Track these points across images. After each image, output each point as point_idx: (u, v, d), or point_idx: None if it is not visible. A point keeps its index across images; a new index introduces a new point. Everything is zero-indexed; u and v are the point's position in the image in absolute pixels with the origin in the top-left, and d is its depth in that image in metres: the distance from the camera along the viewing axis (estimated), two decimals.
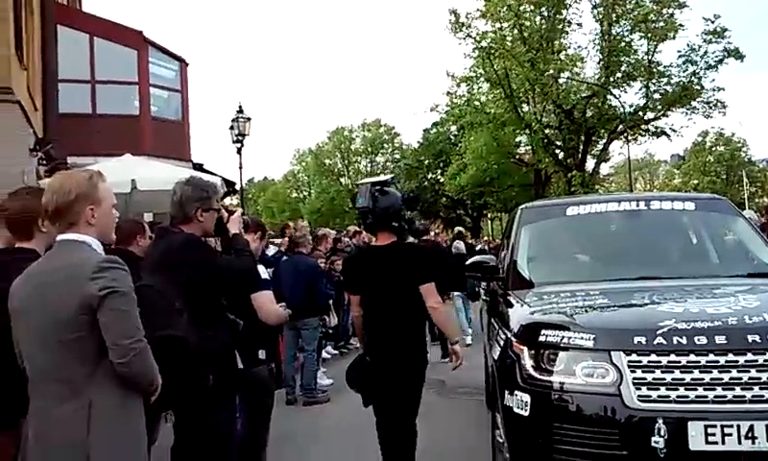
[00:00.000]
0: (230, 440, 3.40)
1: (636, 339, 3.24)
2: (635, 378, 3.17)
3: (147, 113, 17.18)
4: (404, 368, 4.11)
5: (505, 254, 5.26)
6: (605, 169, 36.85)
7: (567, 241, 5.08)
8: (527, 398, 3.36)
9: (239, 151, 17.26)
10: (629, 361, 3.20)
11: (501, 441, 3.82)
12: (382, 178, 4.45)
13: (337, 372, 8.97)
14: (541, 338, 3.41)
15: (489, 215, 49.09)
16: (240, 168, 17.76)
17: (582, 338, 3.31)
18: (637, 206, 4.99)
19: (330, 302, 8.68)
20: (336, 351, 10.20)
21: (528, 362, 3.42)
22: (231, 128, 17.25)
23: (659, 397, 3.13)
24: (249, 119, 17.31)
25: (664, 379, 3.15)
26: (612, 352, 3.23)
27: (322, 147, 54.56)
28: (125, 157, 10.04)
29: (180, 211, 3.36)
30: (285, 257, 7.86)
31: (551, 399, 3.30)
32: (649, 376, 3.17)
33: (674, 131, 31.28)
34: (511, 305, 4.13)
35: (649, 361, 3.19)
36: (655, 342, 3.21)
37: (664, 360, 3.17)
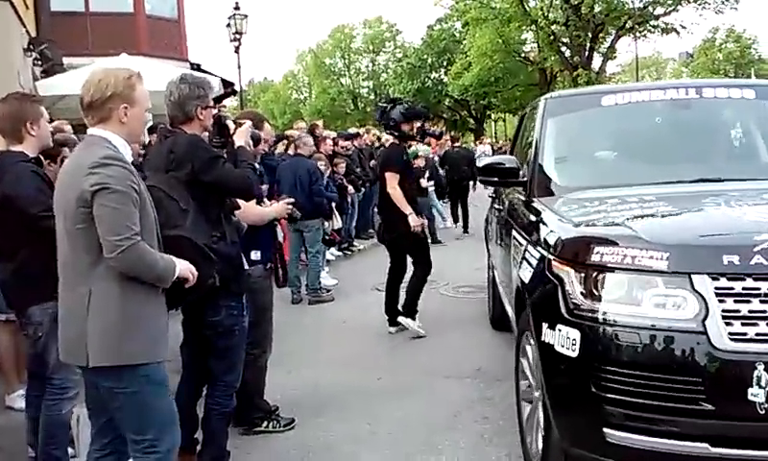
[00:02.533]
0: (239, 337, 3.47)
1: (727, 258, 2.50)
2: (725, 311, 2.47)
3: (141, 11, 16.63)
4: (390, 226, 6.10)
5: (526, 154, 4.40)
6: (611, 67, 35.99)
7: (604, 137, 4.31)
8: (575, 334, 2.68)
9: (237, 50, 16.90)
10: (717, 288, 2.49)
11: (532, 382, 3.31)
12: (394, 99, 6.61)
13: (341, 273, 9.13)
14: (594, 257, 2.68)
15: (493, 116, 48.48)
16: (239, 68, 17.43)
17: (651, 257, 2.57)
18: (687, 94, 4.17)
19: (333, 205, 8.68)
20: (340, 253, 10.30)
21: (576, 288, 2.72)
22: (228, 26, 16.81)
23: (757, 335, 2.44)
24: (245, 17, 16.86)
25: (765, 312, 2.45)
26: (694, 276, 2.52)
27: (322, 46, 53.29)
28: (121, 58, 9.80)
29: (180, 111, 3.30)
30: (285, 160, 7.84)
31: (608, 336, 2.60)
32: (744, 308, 2.46)
33: (683, 27, 30.52)
34: (542, 217, 3.41)
35: (744, 288, 2.48)
36: (752, 262, 2.48)
37: (765, 287, 2.46)
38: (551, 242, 3.05)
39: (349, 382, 4.84)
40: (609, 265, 2.65)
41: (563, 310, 2.76)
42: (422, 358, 5.35)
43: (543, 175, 3.91)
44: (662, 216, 3.06)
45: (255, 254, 3.95)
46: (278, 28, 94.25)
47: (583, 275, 2.73)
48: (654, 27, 30.78)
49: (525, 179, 4.00)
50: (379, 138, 12.52)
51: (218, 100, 3.74)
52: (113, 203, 2.41)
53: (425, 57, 45.24)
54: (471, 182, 12.66)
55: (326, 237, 8.41)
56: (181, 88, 3.30)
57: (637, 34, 30.48)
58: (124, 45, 11.70)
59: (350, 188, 10.06)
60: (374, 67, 51.60)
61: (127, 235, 2.41)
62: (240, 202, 3.57)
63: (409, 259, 6.23)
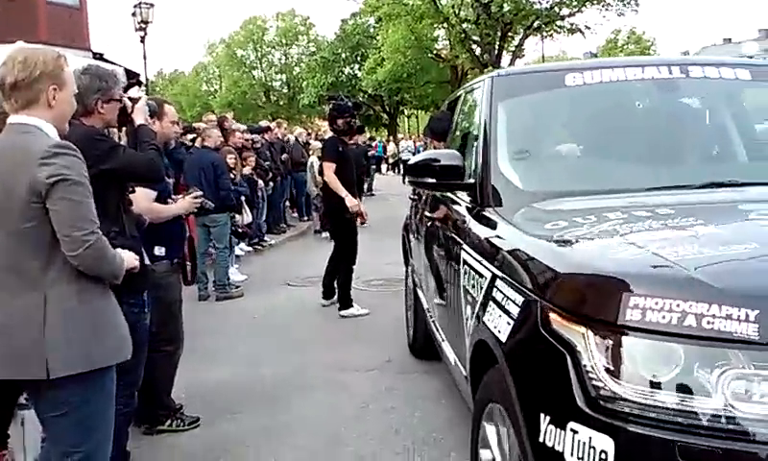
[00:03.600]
0: (140, 335, 3.37)
1: None
2: None
3: None
4: (330, 212, 6.82)
5: (464, 148, 3.56)
6: (519, 66, 37.07)
7: (574, 127, 3.38)
8: (604, 442, 1.67)
9: (143, 40, 16.38)
10: None
11: None
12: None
13: (251, 268, 9.01)
14: (631, 313, 1.67)
15: (406, 112, 48.99)
16: (144, 58, 16.89)
17: (728, 316, 1.60)
18: (671, 73, 3.25)
19: (243, 199, 8.56)
20: (250, 249, 10.16)
21: (599, 362, 1.71)
22: (134, 15, 16.25)
23: None
24: (152, 6, 16.37)
25: None
26: None
27: (234, 37, 52.31)
28: (17, 46, 9.29)
29: (79, 103, 3.17)
30: (191, 152, 7.67)
31: (663, 448, 1.60)
32: None
33: (588, 28, 31.63)
34: (514, 236, 2.47)
35: None
36: None
37: None
38: (543, 281, 2.05)
39: (258, 379, 4.79)
40: (656, 329, 1.64)
41: (578, 398, 1.73)
42: (333, 352, 5.36)
43: (500, 177, 2.92)
44: (713, 245, 1.92)
45: (159, 250, 3.84)
46: (189, 18, 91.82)
47: (611, 342, 1.70)
48: (560, 27, 31.85)
49: (472, 181, 3.05)
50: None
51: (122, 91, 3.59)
52: (75, 195, 2.24)
53: (339, 51, 45.18)
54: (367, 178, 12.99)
55: (238, 231, 8.30)
56: (82, 79, 3.16)
57: (545, 33, 31.47)
58: (21, 32, 11.01)
59: (260, 182, 9.95)
60: (287, 60, 51.15)
61: (92, 229, 2.27)
62: (137, 199, 3.46)
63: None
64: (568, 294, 1.93)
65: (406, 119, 51.45)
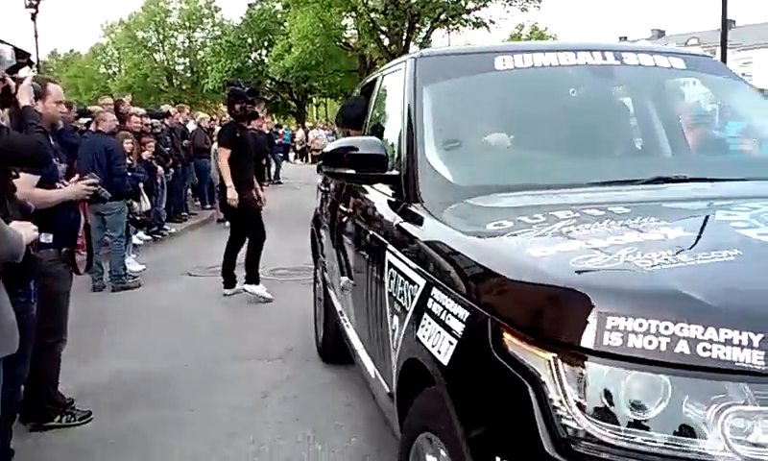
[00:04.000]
0: (26, 325, 3.21)
1: None
2: None
3: None
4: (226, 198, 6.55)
5: (382, 136, 3.29)
6: (443, 47, 37.58)
7: (507, 115, 3.12)
8: None
9: (33, 17, 15.49)
10: None
11: None
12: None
13: (150, 258, 8.73)
14: (610, 337, 1.39)
15: (314, 100, 48.65)
16: (35, 37, 15.99)
17: (727, 341, 1.34)
18: (604, 59, 3.07)
19: (141, 186, 8.26)
20: (149, 237, 9.84)
21: (570, 396, 1.43)
22: None
23: None
24: None
25: None
26: None
27: (134, 18, 50.22)
28: None
29: None
30: (85, 136, 7.34)
31: None
32: None
33: (492, 22, 32.41)
34: (450, 237, 2.10)
35: None
36: None
37: None
38: (494, 292, 1.72)
39: (155, 371, 4.65)
40: (641, 356, 1.36)
41: (544, 441, 1.43)
42: (232, 342, 5.28)
43: (428, 169, 2.60)
44: (691, 252, 1.63)
45: (46, 237, 3.65)
46: None
47: (585, 372, 1.41)
48: (466, 21, 32.49)
49: (396, 173, 2.74)
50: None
51: (11, 71, 3.36)
52: None
53: (245, 36, 44.25)
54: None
55: (136, 219, 8.01)
56: None
57: (451, 26, 31.99)
58: None
59: (160, 169, 9.64)
60: (191, 44, 49.60)
61: None
62: (19, 183, 3.28)
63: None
64: (528, 310, 1.57)
65: (314, 108, 51.05)
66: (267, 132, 20.01)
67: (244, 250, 6.69)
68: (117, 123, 7.73)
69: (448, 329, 1.84)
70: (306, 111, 47.80)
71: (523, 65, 3.01)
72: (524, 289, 1.61)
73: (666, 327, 1.36)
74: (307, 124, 37.43)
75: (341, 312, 3.92)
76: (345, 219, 3.67)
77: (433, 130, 2.76)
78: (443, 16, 31.19)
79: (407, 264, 2.30)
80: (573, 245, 1.71)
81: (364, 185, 3.22)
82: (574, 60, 3.09)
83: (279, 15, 40.64)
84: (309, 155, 27.05)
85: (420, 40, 33.40)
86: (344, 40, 35.51)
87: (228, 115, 7.56)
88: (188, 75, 49.07)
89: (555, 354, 1.44)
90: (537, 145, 2.93)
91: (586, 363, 1.40)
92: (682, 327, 1.35)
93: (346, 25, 34.77)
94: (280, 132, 26.55)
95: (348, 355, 3.80)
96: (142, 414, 3.94)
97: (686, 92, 3.50)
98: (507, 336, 1.56)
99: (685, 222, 2.06)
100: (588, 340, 1.40)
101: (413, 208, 2.52)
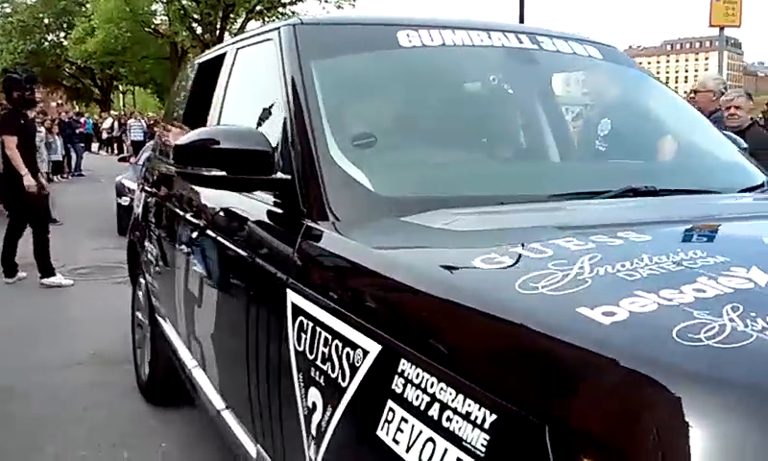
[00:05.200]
0: None
1: None
2: None
3: None
4: (10, 186, 6.52)
5: (267, 128, 2.25)
6: (322, 15, 37.00)
7: (422, 103, 2.44)
8: None
9: None
10: None
11: None
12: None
13: None
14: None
15: (121, 88, 45.84)
16: None
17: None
18: (520, 42, 2.51)
19: None
20: None
21: None
22: None
23: None
24: None
25: None
26: None
27: None
28: None
29: None
30: None
31: None
32: None
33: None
34: (421, 279, 1.34)
35: None
36: None
37: None
38: (563, 388, 0.96)
39: None
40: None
41: None
42: (29, 349, 4.80)
43: (337, 173, 1.87)
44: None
45: None
46: None
47: None
48: (282, 14, 32.33)
49: (287, 178, 1.95)
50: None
51: None
52: None
53: (41, 16, 40.54)
54: None
55: None
56: None
57: (266, 18, 31.64)
58: None
59: None
60: None
61: None
62: None
63: None
64: (630, 420, 0.86)
65: (121, 95, 48.10)
66: (66, 120, 18.63)
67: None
68: None
69: (451, 438, 1.06)
70: (112, 99, 44.90)
71: (432, 43, 2.39)
72: (624, 380, 0.89)
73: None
74: (113, 112, 35.22)
75: (176, 349, 3.12)
76: (195, 235, 2.69)
77: (332, 120, 2.03)
78: (258, 8, 30.78)
79: (339, 315, 1.47)
80: (646, 299, 1.03)
81: (226, 191, 2.18)
82: (488, 41, 2.49)
83: None
84: (125, 146, 25.20)
85: (235, 31, 32.74)
86: (153, 26, 33.82)
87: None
88: None
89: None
90: (468, 146, 2.32)
91: None
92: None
93: (155, 10, 33.14)
94: (81, 121, 24.62)
95: (184, 395, 3.23)
96: None
97: (610, 86, 2.87)
98: None
99: (745, 253, 1.35)
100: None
101: (323, 229, 1.74)
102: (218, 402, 2.49)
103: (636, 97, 2.80)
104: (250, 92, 2.78)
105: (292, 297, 1.70)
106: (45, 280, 6.53)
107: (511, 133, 2.53)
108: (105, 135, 30.68)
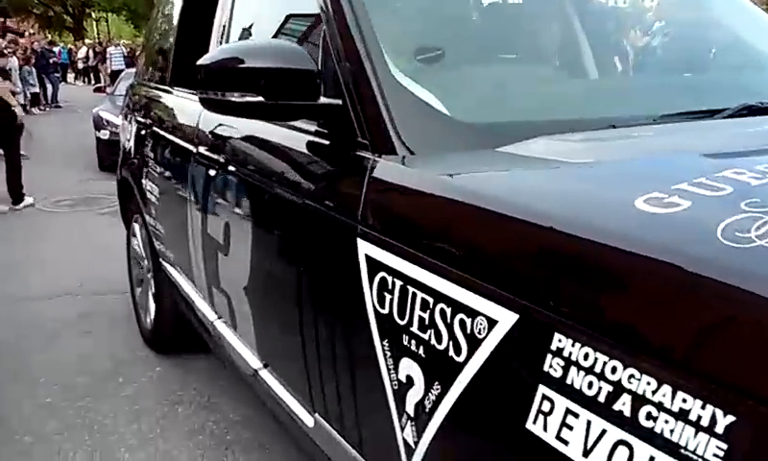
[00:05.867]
0: None
1: None
2: None
3: None
4: None
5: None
6: None
7: (491, 12, 2.07)
8: None
9: None
10: None
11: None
12: None
13: None
14: None
15: (93, 15, 44.42)
16: None
17: None
18: None
19: None
20: None
21: None
22: None
23: None
24: None
25: None
26: None
27: None
28: None
29: None
30: None
31: None
32: None
33: None
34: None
35: None
36: None
37: None
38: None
39: None
40: None
41: None
42: (13, 282, 4.82)
43: (403, 95, 1.52)
44: None
45: None
46: None
47: None
48: None
49: (337, 102, 1.57)
50: None
51: None
52: None
53: None
54: None
55: None
56: None
57: None
58: None
59: None
60: None
61: None
62: None
63: None
64: None
65: (94, 23, 46.64)
66: (38, 50, 18.16)
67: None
68: None
69: (660, 443, 0.80)
70: (85, 27, 43.58)
71: None
72: None
73: None
74: (87, 41, 34.27)
75: (195, 306, 2.76)
76: (213, 173, 2.29)
77: (385, 30, 1.62)
78: None
79: (446, 275, 1.16)
80: None
81: (253, 119, 1.76)
82: None
83: None
84: (103, 75, 24.45)
85: None
86: None
87: None
88: None
89: None
90: (557, 63, 2.00)
91: None
92: None
93: None
94: (56, 50, 23.90)
95: (194, 342, 3.13)
96: None
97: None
98: None
99: None
100: None
101: (399, 164, 1.40)
102: (254, 362, 2.16)
103: (730, 9, 2.40)
104: (266, 3, 2.39)
105: (366, 248, 1.38)
106: (18, 206, 6.75)
107: (602, 47, 2.11)
108: (80, 65, 29.88)
